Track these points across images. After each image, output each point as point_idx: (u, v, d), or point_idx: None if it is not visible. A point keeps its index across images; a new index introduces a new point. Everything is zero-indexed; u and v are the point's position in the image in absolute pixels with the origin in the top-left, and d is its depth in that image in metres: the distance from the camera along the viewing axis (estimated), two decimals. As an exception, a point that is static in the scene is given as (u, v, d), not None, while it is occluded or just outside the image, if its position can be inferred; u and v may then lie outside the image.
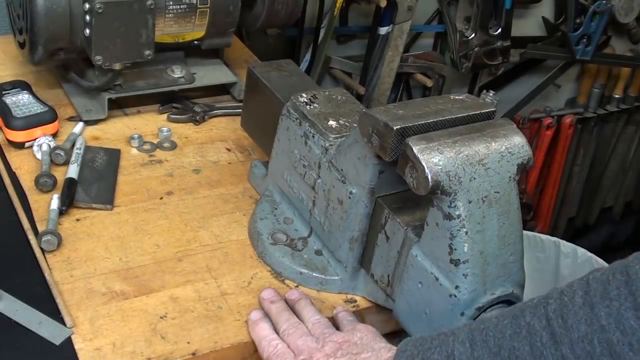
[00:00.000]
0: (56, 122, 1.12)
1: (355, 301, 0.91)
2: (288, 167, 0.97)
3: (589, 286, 0.61)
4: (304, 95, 0.96)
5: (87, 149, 1.10)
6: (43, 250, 0.91)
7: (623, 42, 2.26)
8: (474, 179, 0.74)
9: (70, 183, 1.01)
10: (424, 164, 0.73)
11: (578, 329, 0.60)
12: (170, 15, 1.16)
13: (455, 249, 0.75)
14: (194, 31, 1.21)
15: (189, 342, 0.83)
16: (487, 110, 0.81)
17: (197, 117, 1.22)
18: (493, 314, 0.72)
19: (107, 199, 1.02)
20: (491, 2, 1.85)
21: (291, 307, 0.87)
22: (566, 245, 1.53)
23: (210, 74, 1.28)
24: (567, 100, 2.37)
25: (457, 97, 0.83)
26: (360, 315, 0.91)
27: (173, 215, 1.01)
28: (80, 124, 1.15)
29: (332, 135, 0.90)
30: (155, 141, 1.16)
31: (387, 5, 1.69)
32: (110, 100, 1.18)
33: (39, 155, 1.07)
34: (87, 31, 1.08)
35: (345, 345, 0.77)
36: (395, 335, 1.00)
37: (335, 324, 0.85)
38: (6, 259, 0.91)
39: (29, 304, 0.84)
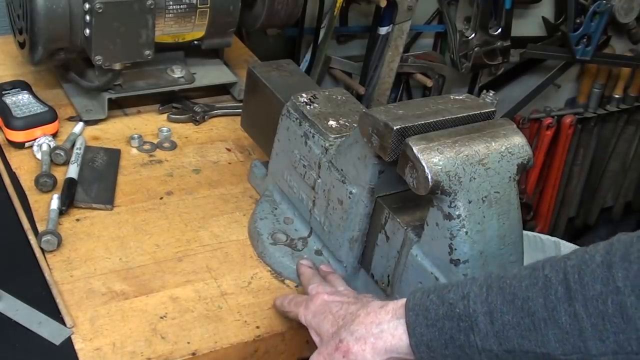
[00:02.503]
0: (56, 122, 1.12)
1: (355, 301, 0.91)
2: (288, 167, 0.97)
3: (611, 246, 0.61)
4: (304, 95, 0.96)
5: (87, 149, 1.10)
6: (43, 250, 0.91)
7: (623, 42, 2.26)
8: (474, 179, 0.74)
9: (70, 183, 1.01)
10: (424, 164, 0.73)
11: (593, 288, 0.59)
12: (170, 15, 1.16)
13: (455, 249, 0.75)
14: (194, 31, 1.21)
15: (189, 342, 0.83)
16: (487, 110, 0.81)
17: (197, 117, 1.22)
18: (514, 267, 0.73)
19: (107, 199, 1.02)
20: (491, 2, 1.85)
21: (323, 277, 0.88)
22: (566, 245, 1.53)
23: (210, 74, 1.28)
24: (567, 100, 2.37)
25: (457, 97, 0.83)
26: (360, 315, 0.91)
27: (173, 215, 1.01)
28: (80, 124, 1.15)
29: (332, 135, 0.90)
30: (155, 141, 1.16)
31: (387, 5, 1.69)
32: (110, 100, 1.18)
33: (39, 155, 1.07)
34: (87, 31, 1.08)
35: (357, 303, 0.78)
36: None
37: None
38: (6, 259, 0.91)
39: (29, 304, 0.84)
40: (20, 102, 1.12)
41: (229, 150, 1.17)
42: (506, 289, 0.64)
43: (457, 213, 0.74)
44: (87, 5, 1.06)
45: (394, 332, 0.69)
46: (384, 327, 0.69)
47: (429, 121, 0.77)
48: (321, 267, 0.91)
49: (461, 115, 0.79)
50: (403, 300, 0.70)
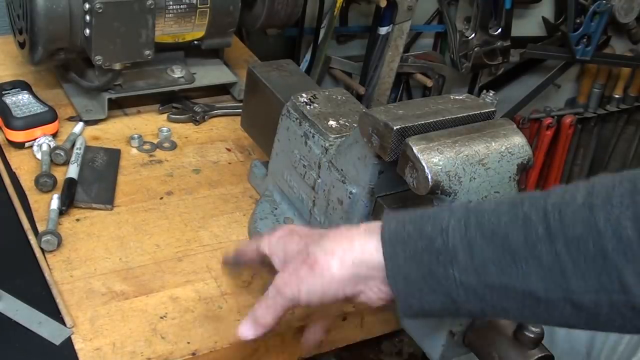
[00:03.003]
0: (56, 122, 1.12)
1: (355, 301, 0.91)
2: (288, 167, 0.97)
3: (593, 188, 0.60)
4: (304, 95, 0.96)
5: (87, 149, 1.10)
6: (43, 250, 0.91)
7: (623, 42, 2.26)
8: (474, 179, 0.74)
9: (70, 183, 1.01)
10: (424, 164, 0.73)
11: (574, 229, 0.58)
12: (170, 15, 1.16)
13: (455, 249, 0.75)
14: (194, 31, 1.21)
15: (189, 342, 0.83)
16: (487, 110, 0.81)
17: (197, 117, 1.22)
18: (491, 199, 0.71)
19: (107, 199, 1.02)
20: (491, 2, 1.86)
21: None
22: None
23: (210, 74, 1.28)
24: (567, 100, 2.37)
25: (457, 97, 0.83)
26: (360, 315, 0.91)
27: (173, 215, 1.01)
28: (80, 124, 1.15)
29: (332, 135, 0.90)
30: (155, 141, 1.16)
31: (387, 5, 1.70)
32: (110, 100, 1.18)
33: (39, 155, 1.07)
34: (87, 31, 1.08)
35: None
36: (395, 335, 1.00)
37: None
38: (6, 259, 0.91)
39: (29, 304, 0.84)
40: (20, 102, 1.12)
41: (229, 150, 1.17)
42: (485, 224, 0.62)
43: (457, 213, 0.74)
44: (87, 5, 1.06)
45: (364, 246, 0.67)
46: (355, 241, 0.68)
47: (429, 121, 0.77)
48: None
49: (461, 115, 0.79)
50: (375, 223, 0.68)
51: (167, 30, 1.18)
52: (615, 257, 0.56)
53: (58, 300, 0.85)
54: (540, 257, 0.59)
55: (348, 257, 0.67)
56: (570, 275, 0.58)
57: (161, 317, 0.86)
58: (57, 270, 0.90)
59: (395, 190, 0.86)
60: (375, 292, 0.68)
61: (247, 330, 0.73)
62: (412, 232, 0.65)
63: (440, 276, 0.63)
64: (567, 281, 0.59)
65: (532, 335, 0.72)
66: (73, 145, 1.09)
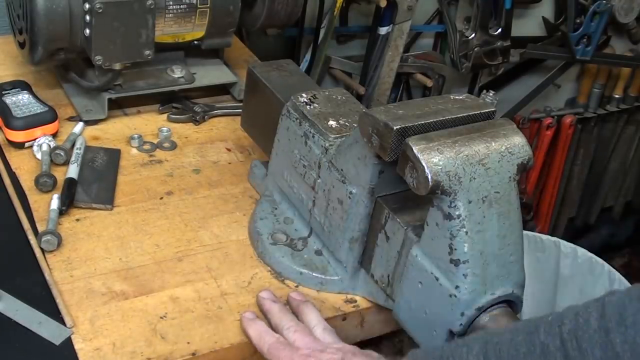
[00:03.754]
0: (56, 122, 1.12)
1: (355, 301, 0.91)
2: (288, 167, 0.97)
3: (604, 309, 0.61)
4: (304, 95, 0.96)
5: (87, 149, 1.10)
6: (43, 250, 0.91)
7: (623, 42, 2.26)
8: (474, 179, 0.74)
9: (70, 183, 1.01)
10: (424, 164, 0.73)
11: (593, 354, 0.60)
12: (170, 15, 1.16)
13: (455, 249, 0.75)
14: (194, 31, 1.21)
15: (189, 342, 0.83)
16: (487, 110, 0.81)
17: (197, 117, 1.22)
18: (507, 327, 0.73)
19: (107, 199, 1.02)
20: (491, 2, 1.85)
21: (294, 308, 0.86)
22: (566, 245, 1.53)
23: (210, 74, 1.28)
24: (567, 100, 2.37)
25: (457, 97, 0.83)
26: (360, 315, 0.91)
27: (173, 215, 1.01)
28: (80, 124, 1.15)
29: (332, 135, 0.91)
30: (155, 141, 1.16)
31: (387, 5, 1.69)
32: (110, 100, 1.18)
33: (39, 155, 1.07)
34: (87, 31, 1.08)
35: (348, 354, 0.76)
36: (395, 335, 1.00)
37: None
38: (6, 259, 0.91)
39: (29, 304, 0.84)
40: (20, 102, 1.12)
41: (229, 150, 1.17)
42: (504, 357, 0.64)
43: (457, 213, 0.74)
44: (87, 5, 1.06)
45: None
46: None
47: (429, 121, 0.77)
48: (291, 296, 0.88)
49: (461, 115, 0.79)
50: None
51: (167, 30, 1.18)
52: None
53: (58, 300, 0.85)
54: None
55: None
56: None
57: (161, 317, 0.86)
58: (57, 270, 0.90)
59: (395, 190, 0.86)
60: None
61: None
62: None
63: None
64: None
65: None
66: (73, 145, 1.09)
